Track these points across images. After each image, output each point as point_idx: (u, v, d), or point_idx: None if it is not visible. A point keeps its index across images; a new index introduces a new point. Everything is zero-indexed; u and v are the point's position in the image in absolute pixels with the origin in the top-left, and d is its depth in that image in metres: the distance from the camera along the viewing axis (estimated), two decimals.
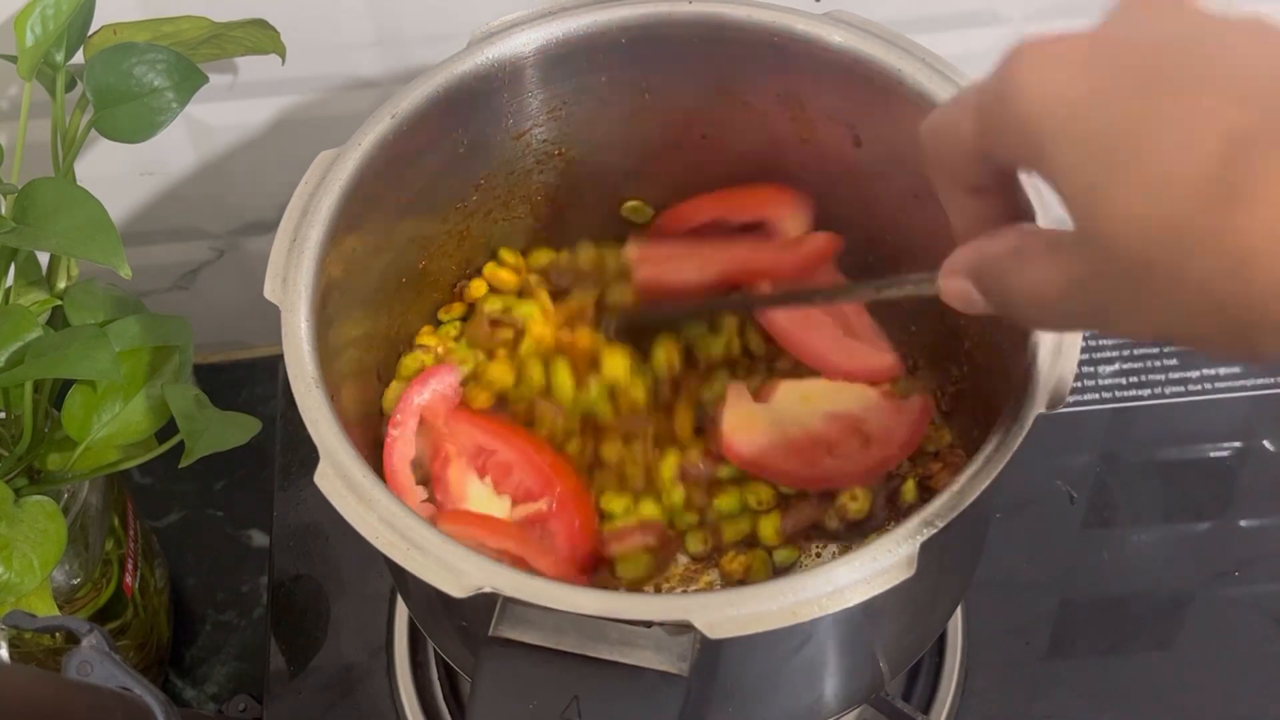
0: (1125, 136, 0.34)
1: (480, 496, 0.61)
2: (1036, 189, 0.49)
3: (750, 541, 0.63)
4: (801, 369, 0.65)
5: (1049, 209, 0.49)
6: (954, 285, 0.43)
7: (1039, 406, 0.49)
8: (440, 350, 0.65)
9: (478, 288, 0.66)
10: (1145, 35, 0.36)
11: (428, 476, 0.62)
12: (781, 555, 0.62)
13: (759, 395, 0.64)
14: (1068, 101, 0.36)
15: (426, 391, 0.63)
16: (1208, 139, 0.33)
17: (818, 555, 0.63)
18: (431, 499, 0.62)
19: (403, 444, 0.62)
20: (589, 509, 0.61)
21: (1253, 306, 0.33)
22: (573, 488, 0.61)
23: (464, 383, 0.64)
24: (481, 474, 0.62)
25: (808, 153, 0.63)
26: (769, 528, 0.62)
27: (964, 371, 0.63)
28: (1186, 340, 0.36)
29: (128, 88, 0.63)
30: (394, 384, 0.64)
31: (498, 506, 0.61)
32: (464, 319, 0.67)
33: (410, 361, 0.64)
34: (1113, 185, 0.35)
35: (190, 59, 0.64)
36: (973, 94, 0.39)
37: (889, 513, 0.63)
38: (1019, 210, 0.43)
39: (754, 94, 0.62)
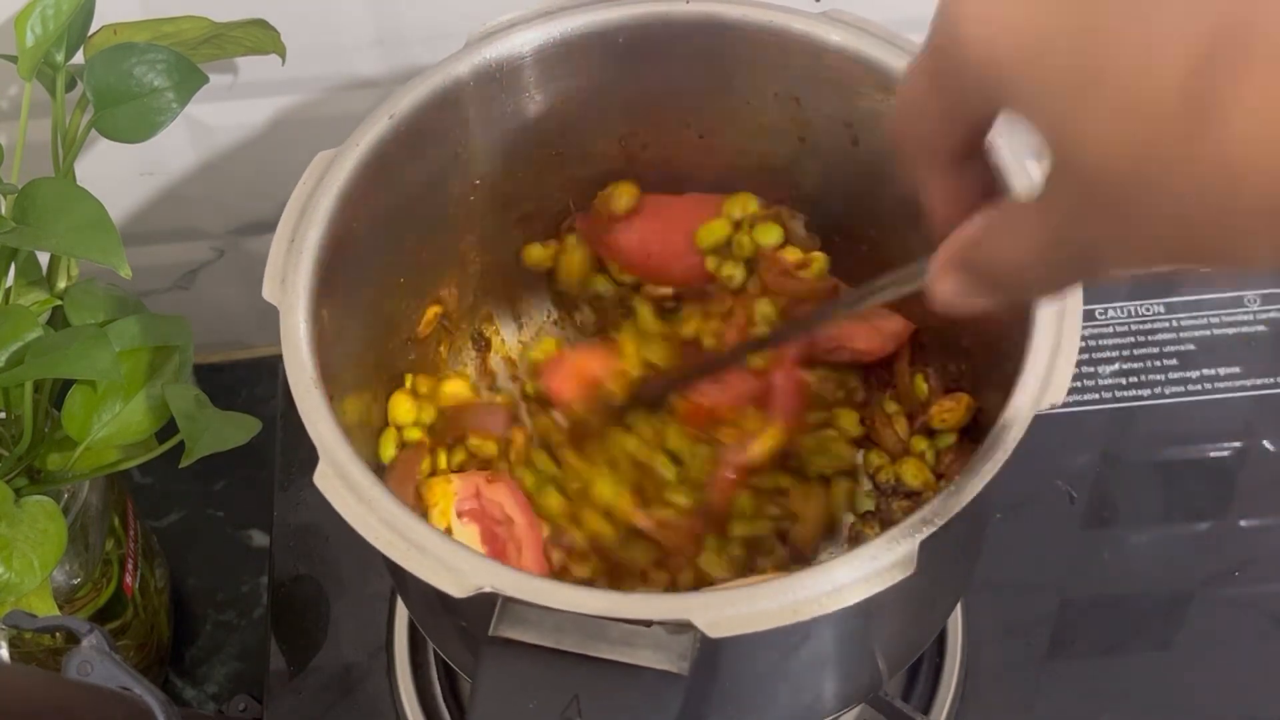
0: (1085, 61, 0.33)
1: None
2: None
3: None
4: None
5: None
6: (945, 286, 0.41)
7: (1037, 405, 0.49)
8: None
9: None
10: None
11: None
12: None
13: None
14: (1017, 32, 0.34)
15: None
16: (1169, 54, 0.32)
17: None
18: None
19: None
20: None
21: (1239, 221, 0.32)
22: None
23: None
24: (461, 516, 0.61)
25: (805, 152, 0.63)
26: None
27: (962, 370, 0.63)
28: (1178, 262, 0.35)
29: (128, 88, 0.63)
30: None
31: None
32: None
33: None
34: (1081, 113, 0.33)
35: (190, 59, 0.64)
36: (923, 57, 0.38)
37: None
38: (995, 186, 0.42)
39: (752, 93, 0.62)
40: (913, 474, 0.63)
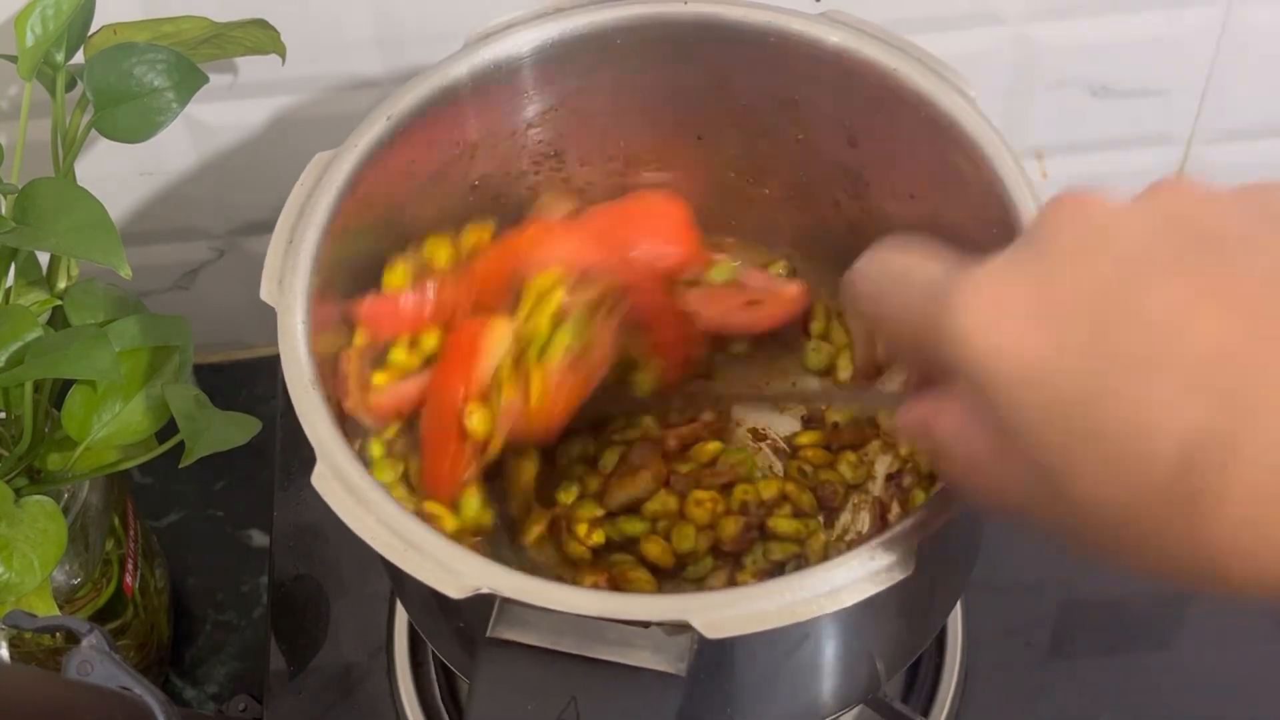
0: (1086, 413, 0.34)
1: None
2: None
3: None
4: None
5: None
6: (909, 437, 0.44)
7: None
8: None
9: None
10: (1080, 282, 0.35)
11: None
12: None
13: None
14: (1023, 355, 0.35)
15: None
16: (1164, 428, 0.33)
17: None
18: None
19: None
20: None
21: (1219, 581, 0.34)
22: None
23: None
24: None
25: (803, 152, 0.63)
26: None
27: None
28: (1149, 576, 0.36)
29: (128, 88, 0.63)
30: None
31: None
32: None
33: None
34: (1078, 458, 0.34)
35: (190, 59, 0.64)
36: (916, 304, 0.39)
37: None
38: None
39: (749, 94, 0.62)
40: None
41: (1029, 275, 0.36)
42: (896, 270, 0.42)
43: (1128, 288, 0.34)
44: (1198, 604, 0.73)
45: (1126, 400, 0.33)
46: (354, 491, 0.48)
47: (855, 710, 0.66)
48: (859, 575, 0.45)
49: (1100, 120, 0.79)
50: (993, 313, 0.36)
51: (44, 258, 0.66)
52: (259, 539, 0.82)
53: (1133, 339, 0.34)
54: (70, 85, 0.65)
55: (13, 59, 0.63)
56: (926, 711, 0.68)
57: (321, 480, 0.48)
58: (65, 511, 0.63)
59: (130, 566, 0.72)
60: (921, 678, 0.70)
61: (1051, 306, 0.35)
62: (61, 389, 0.65)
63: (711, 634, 0.44)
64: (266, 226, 0.55)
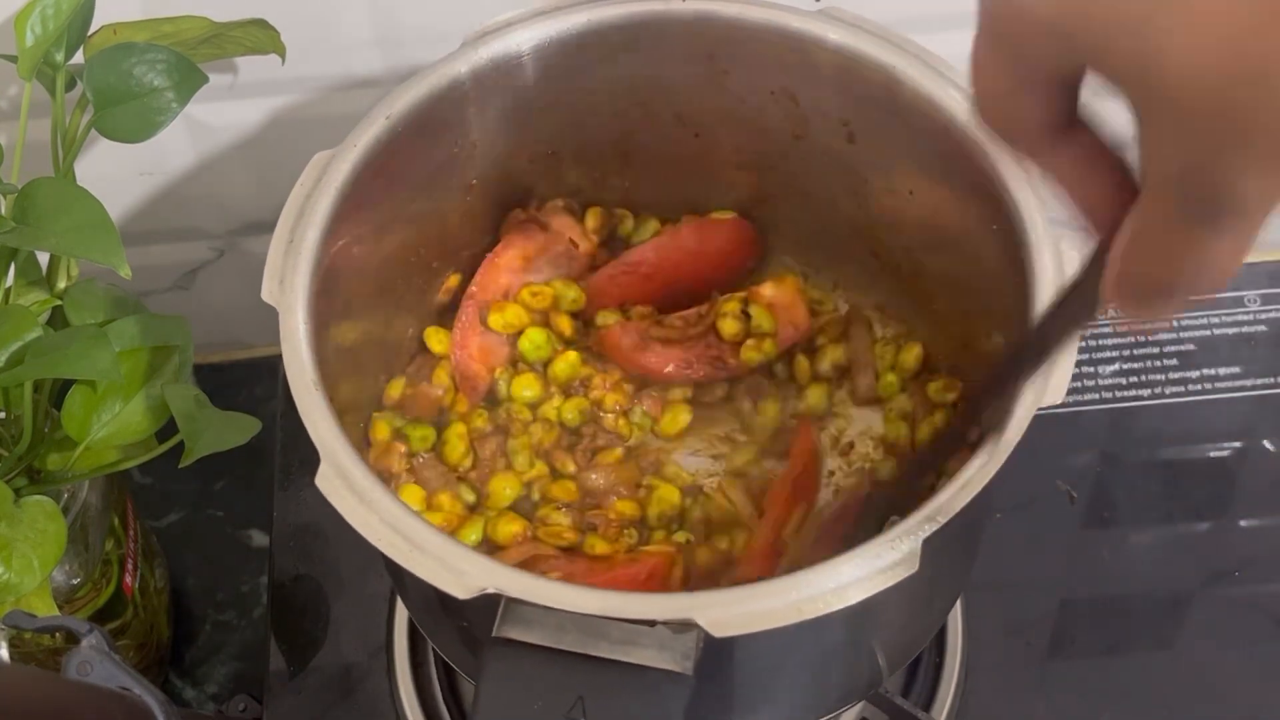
0: None
1: None
2: None
3: None
4: None
5: None
6: (1128, 311, 0.38)
7: (1037, 403, 0.49)
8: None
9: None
10: None
11: None
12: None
13: None
14: None
15: None
16: None
17: None
18: None
19: None
20: None
21: None
22: None
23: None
24: None
25: (801, 149, 0.63)
26: None
27: (962, 368, 0.63)
28: None
29: (128, 88, 0.63)
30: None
31: None
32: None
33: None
34: (1155, 29, 0.31)
35: (190, 59, 0.64)
36: (981, 34, 0.36)
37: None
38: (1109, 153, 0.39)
39: (748, 91, 0.62)
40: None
41: None
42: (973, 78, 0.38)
43: None
44: (1198, 604, 0.73)
45: None
46: (358, 492, 0.48)
47: (858, 706, 0.66)
48: (865, 572, 0.45)
49: (1099, 116, 0.79)
50: None
51: (44, 258, 0.66)
52: (259, 539, 0.82)
53: None
54: (70, 85, 0.65)
55: (13, 59, 0.63)
56: (927, 708, 0.68)
57: (325, 481, 0.48)
58: (65, 511, 0.63)
59: (130, 566, 0.72)
60: (921, 676, 0.70)
61: None
62: (61, 389, 0.64)
63: (718, 632, 0.44)
64: (266, 226, 0.55)
